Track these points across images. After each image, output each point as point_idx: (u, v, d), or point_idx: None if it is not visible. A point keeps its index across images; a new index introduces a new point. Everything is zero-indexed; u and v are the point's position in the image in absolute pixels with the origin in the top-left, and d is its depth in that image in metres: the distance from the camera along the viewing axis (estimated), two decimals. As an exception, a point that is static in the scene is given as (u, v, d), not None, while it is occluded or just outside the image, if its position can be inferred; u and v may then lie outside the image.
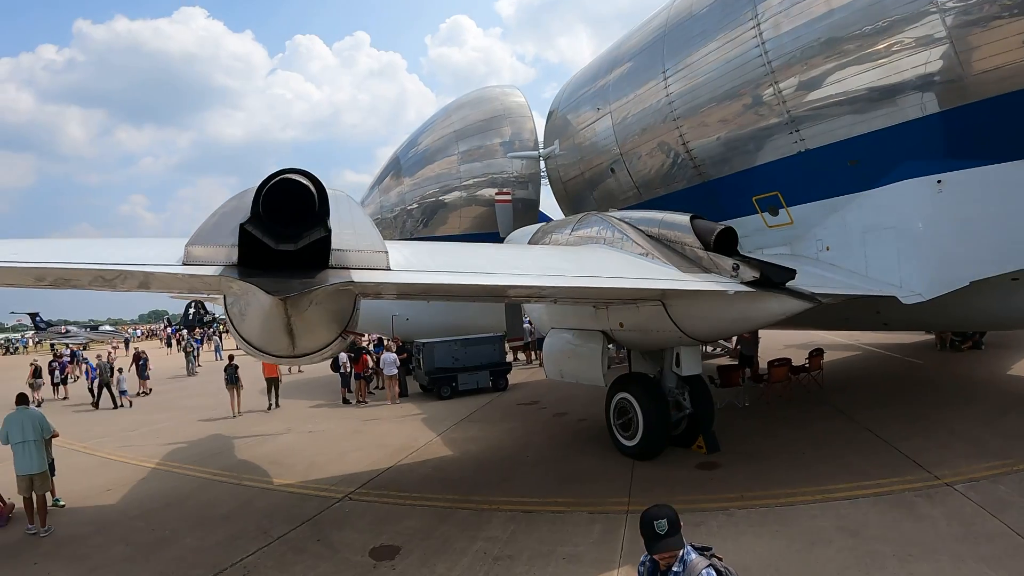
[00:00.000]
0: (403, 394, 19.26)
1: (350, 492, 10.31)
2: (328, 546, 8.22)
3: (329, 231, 5.99)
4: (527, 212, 18.70)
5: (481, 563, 7.39)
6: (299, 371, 27.11)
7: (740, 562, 6.52)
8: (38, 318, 62.95)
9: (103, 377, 21.24)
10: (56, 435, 10.14)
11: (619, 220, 10.24)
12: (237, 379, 18.56)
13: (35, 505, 9.29)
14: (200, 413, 18.90)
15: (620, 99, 15.07)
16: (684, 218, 9.31)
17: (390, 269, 6.59)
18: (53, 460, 10.15)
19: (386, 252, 6.64)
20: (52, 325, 63.56)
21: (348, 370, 18.98)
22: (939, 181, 9.45)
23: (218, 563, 7.73)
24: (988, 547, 6.38)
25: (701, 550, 3.73)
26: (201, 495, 10.74)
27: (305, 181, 5.90)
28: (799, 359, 14.95)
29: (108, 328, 74.30)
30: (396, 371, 18.80)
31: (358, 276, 6.25)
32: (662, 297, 9.22)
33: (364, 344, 22.59)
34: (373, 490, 10.41)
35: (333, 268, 6.13)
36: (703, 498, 8.62)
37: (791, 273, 8.44)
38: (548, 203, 20.03)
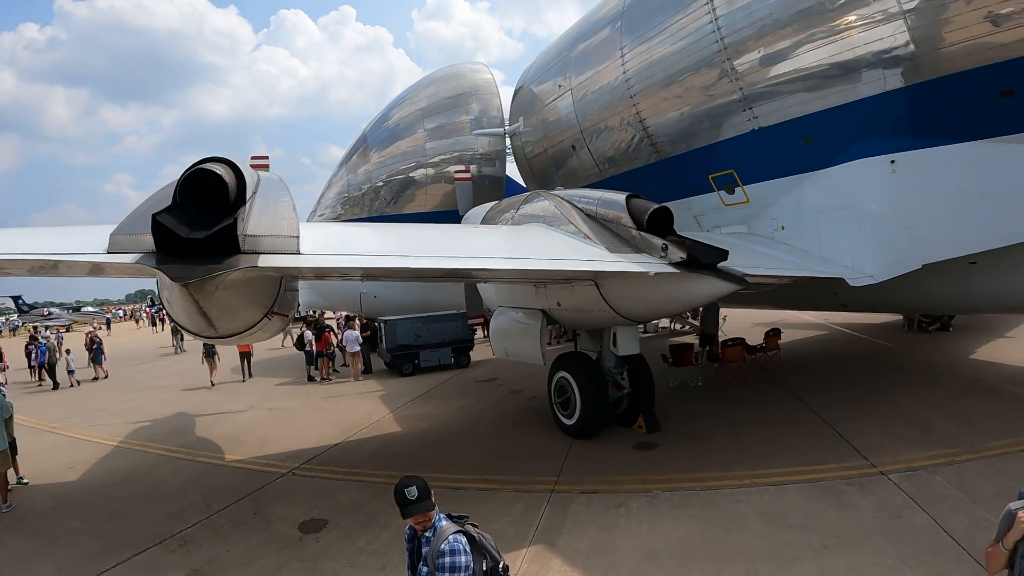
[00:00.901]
0: (367, 371, 19.33)
1: (295, 467, 10.47)
2: (263, 519, 8.41)
3: (236, 219, 6.15)
4: (493, 189, 18.63)
5: (399, 538, 7.41)
6: (282, 346, 27.25)
7: (649, 546, 6.66)
8: (20, 301, 62.75)
9: (51, 358, 21.83)
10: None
11: (562, 199, 10.16)
12: (214, 353, 19.72)
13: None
14: (173, 392, 19.16)
15: (581, 76, 14.96)
16: (620, 197, 9.21)
17: (300, 253, 6.65)
18: (15, 439, 10.35)
19: (297, 237, 6.68)
20: (35, 308, 63.48)
21: (312, 348, 19.03)
22: (892, 161, 9.30)
23: (160, 534, 7.99)
24: (911, 543, 6.16)
25: (457, 518, 3.94)
26: (157, 471, 10.92)
27: (222, 171, 6.13)
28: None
29: (91, 309, 74.07)
30: (359, 348, 18.87)
31: (265, 261, 6.32)
32: (595, 277, 9.16)
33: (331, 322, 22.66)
34: (317, 466, 10.55)
35: (245, 253, 6.22)
36: (631, 479, 8.63)
37: (722, 254, 8.28)
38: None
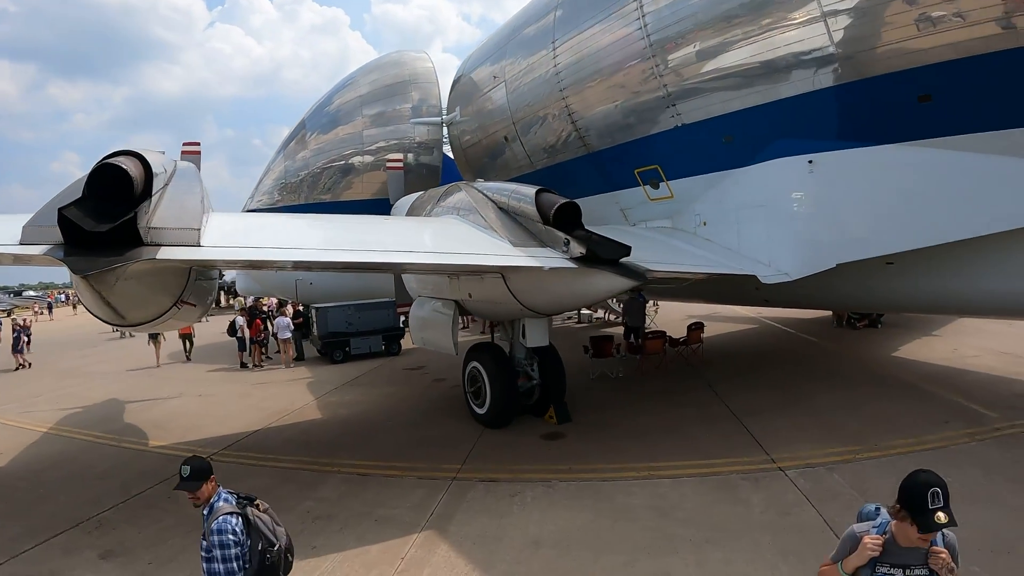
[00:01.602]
0: (299, 358, 19.26)
1: (213, 453, 10.40)
2: (176, 502, 8.23)
3: (137, 212, 6.32)
4: (430, 178, 18.63)
5: (301, 521, 7.59)
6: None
7: (535, 534, 6.80)
8: None
9: None
10: None
11: (479, 192, 10.23)
12: (158, 335, 20.14)
13: None
14: (108, 377, 18.92)
15: (515, 68, 15.02)
16: (531, 191, 9.28)
17: (200, 246, 6.73)
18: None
19: (198, 229, 6.76)
20: None
21: (245, 335, 18.86)
22: (810, 161, 9.50)
23: (79, 517, 8.04)
24: (794, 539, 6.20)
25: (243, 498, 4.25)
26: (83, 457, 10.84)
27: (129, 165, 6.35)
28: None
29: (32, 293, 71.78)
30: (290, 335, 18.76)
31: (164, 253, 6.42)
32: (500, 271, 9.30)
33: (265, 308, 22.45)
34: (236, 451, 10.57)
35: (148, 245, 6.36)
36: (532, 468, 8.80)
37: (624, 250, 8.43)
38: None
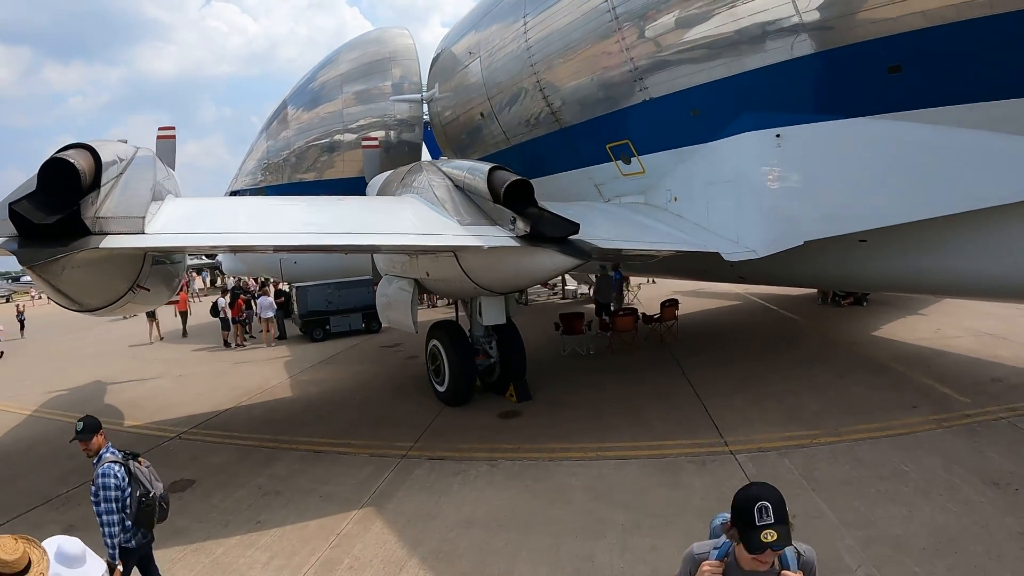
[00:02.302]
0: (281, 337, 19.41)
1: (182, 432, 10.73)
2: None
3: (82, 203, 6.54)
4: (412, 155, 18.48)
5: (251, 497, 7.87)
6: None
7: (468, 514, 6.85)
8: None
9: None
10: None
11: (439, 170, 10.10)
12: (154, 313, 21.09)
13: None
14: (97, 359, 19.25)
15: (489, 44, 14.78)
16: (484, 169, 9.12)
17: (144, 233, 6.86)
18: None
19: (142, 217, 6.89)
20: None
21: (227, 314, 18.98)
22: (778, 135, 9.20)
23: (48, 495, 8.37)
24: None
25: (128, 454, 5.03)
26: (59, 438, 10.80)
27: (79, 158, 6.61)
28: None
29: (29, 279, 72.29)
30: (272, 314, 18.86)
31: (108, 242, 6.59)
32: (447, 249, 9.25)
33: (250, 288, 22.60)
34: (203, 430, 10.78)
35: (94, 234, 6.57)
36: (481, 447, 8.83)
37: (572, 227, 8.32)
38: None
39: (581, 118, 12.74)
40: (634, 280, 22.92)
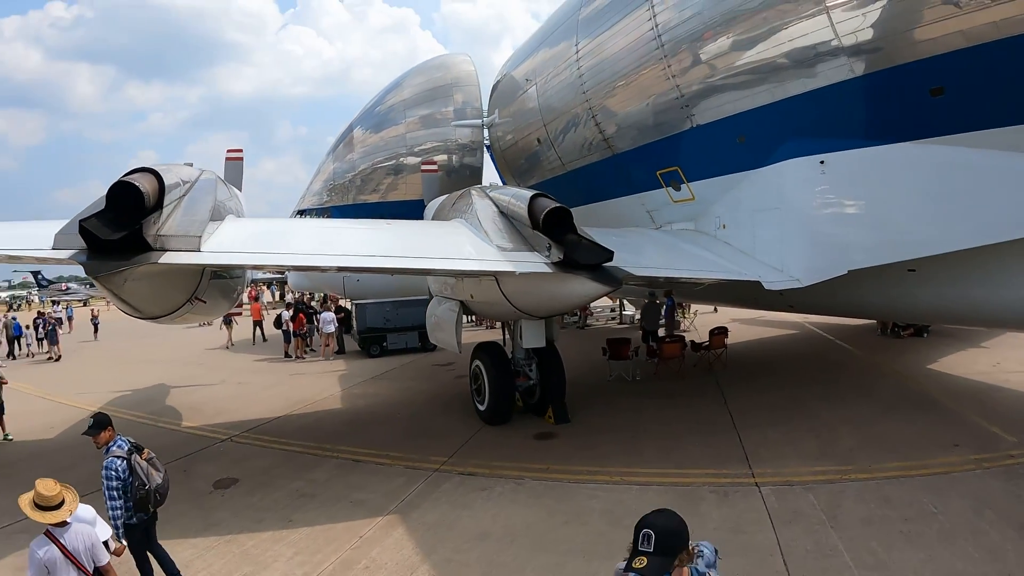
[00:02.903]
0: (340, 351, 20.09)
1: (234, 435, 11.35)
2: (189, 475, 9.38)
3: (143, 222, 7.15)
4: (473, 179, 19.03)
5: (287, 498, 8.31)
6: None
7: (486, 528, 7.04)
8: (40, 276, 64.73)
9: (8, 334, 24.83)
10: (5, 382, 12.07)
11: (486, 196, 10.30)
12: (231, 321, 24.14)
13: None
14: (163, 364, 20.28)
15: (544, 70, 15.18)
16: (526, 196, 9.21)
17: (199, 251, 7.46)
18: (2, 402, 11.78)
19: (199, 236, 7.50)
20: (53, 283, 65.59)
21: (289, 328, 19.83)
22: (822, 162, 9.09)
23: (99, 483, 8.81)
24: (734, 561, 5.74)
25: (134, 447, 5.77)
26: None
27: (144, 182, 7.27)
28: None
29: None
30: (333, 329, 19.62)
31: (166, 258, 7.21)
32: (479, 274, 9.48)
33: (313, 304, 23.51)
34: (253, 434, 11.34)
35: (156, 251, 7.18)
36: (510, 465, 8.93)
37: (605, 255, 8.38)
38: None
39: (631, 145, 12.87)
40: (697, 307, 22.64)
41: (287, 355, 20.02)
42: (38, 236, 7.30)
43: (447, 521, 7.27)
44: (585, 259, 8.36)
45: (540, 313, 9.92)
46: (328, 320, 19.69)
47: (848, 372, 13.69)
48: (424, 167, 16.48)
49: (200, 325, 30.51)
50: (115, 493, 5.51)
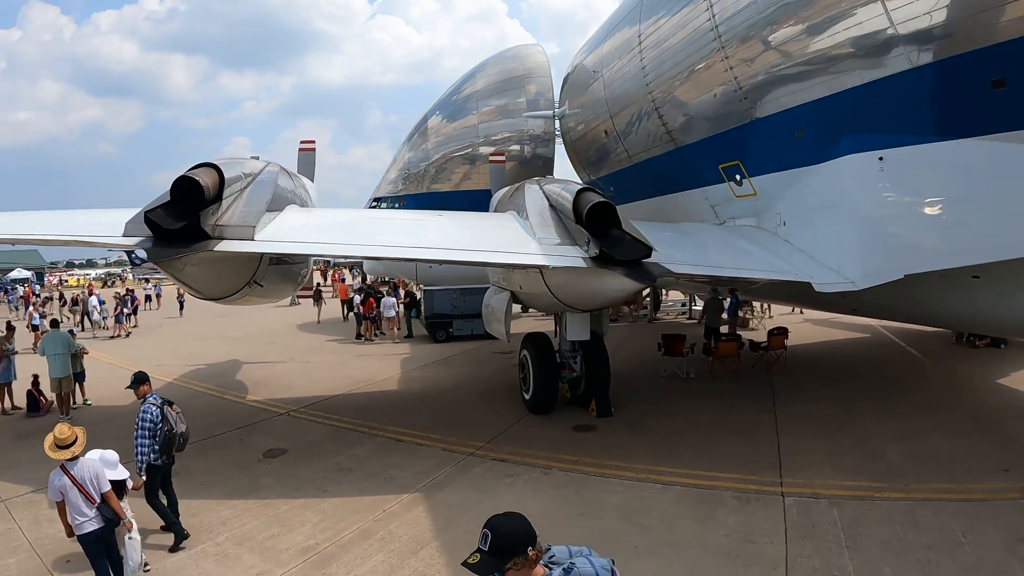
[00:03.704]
0: (409, 335, 20.77)
1: (292, 409, 12.10)
2: (244, 444, 10.22)
3: (201, 213, 7.74)
4: (545, 169, 19.15)
5: (329, 470, 8.90)
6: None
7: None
8: (133, 254, 69.57)
9: (84, 308, 26.68)
10: (86, 352, 13.35)
11: (539, 188, 10.37)
12: (320, 298, 26.73)
13: (63, 400, 12.35)
14: (239, 341, 21.49)
15: (610, 62, 15.04)
16: (573, 190, 9.23)
17: (253, 240, 8.07)
18: (84, 370, 13.13)
19: (253, 226, 8.08)
20: (145, 261, 70.42)
21: (359, 311, 20.67)
22: (880, 158, 8.57)
23: None
24: (737, 569, 5.81)
25: (165, 402, 6.90)
26: (190, 403, 12.59)
27: (200, 177, 7.80)
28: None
29: None
30: (395, 314, 20.45)
31: (221, 246, 7.88)
32: (516, 267, 9.65)
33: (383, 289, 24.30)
34: (310, 410, 12.06)
35: (213, 239, 7.83)
36: (543, 455, 9.06)
37: (644, 250, 8.31)
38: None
39: (693, 138, 12.60)
40: (774, 307, 21.84)
41: (358, 337, 20.90)
42: (111, 224, 8.06)
43: (467, 503, 7.54)
44: (621, 254, 8.32)
45: (582, 306, 9.95)
46: (389, 305, 20.46)
47: (910, 381, 12.84)
48: (491, 158, 16.70)
49: (291, 304, 32.36)
50: (146, 434, 6.57)
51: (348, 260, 44.18)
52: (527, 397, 11.38)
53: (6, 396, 12.81)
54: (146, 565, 6.06)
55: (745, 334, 16.53)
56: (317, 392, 13.35)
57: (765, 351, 13.58)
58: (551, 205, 9.70)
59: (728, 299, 15.89)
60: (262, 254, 9.21)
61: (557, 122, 19.13)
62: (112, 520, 5.53)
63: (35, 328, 21.28)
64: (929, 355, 15.01)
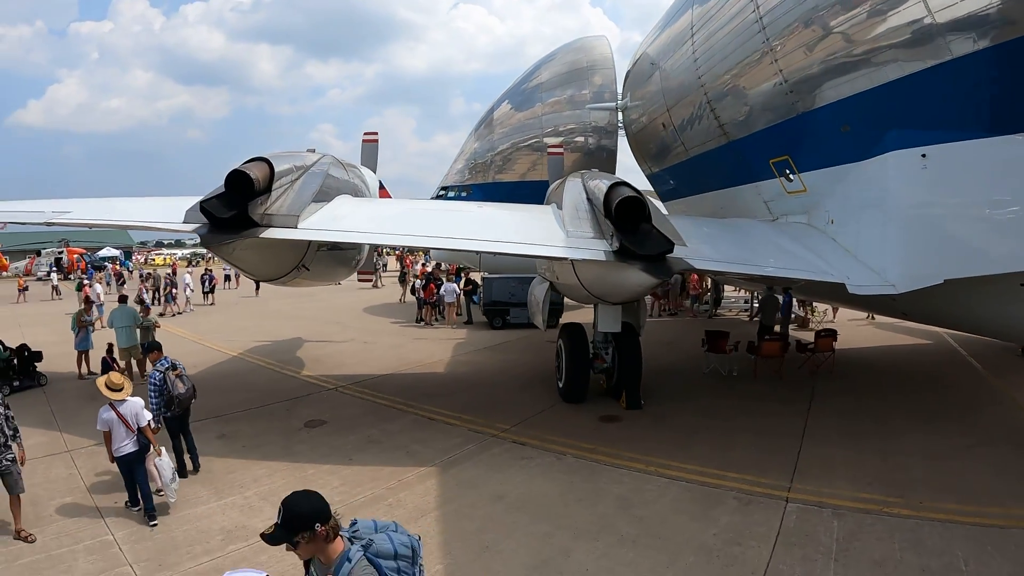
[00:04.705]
0: (468, 321, 21.39)
1: (340, 385, 12.95)
2: (289, 414, 11.10)
3: (250, 203, 8.45)
4: (609, 161, 19.22)
5: (360, 441, 9.62)
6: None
7: (506, 491, 7.72)
8: None
9: (156, 285, 28.34)
10: (158, 325, 14.72)
11: (580, 181, 10.50)
12: (405, 278, 28.62)
13: (133, 369, 13.72)
14: (308, 320, 22.66)
15: (666, 55, 14.93)
16: (606, 184, 9.29)
17: (296, 228, 8.73)
18: (154, 340, 14.10)
19: (297, 216, 8.76)
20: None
21: (421, 295, 21.46)
22: (923, 155, 8.25)
23: (219, 412, 10.98)
24: (716, 569, 5.87)
25: (170, 367, 8.22)
26: (249, 376, 14.10)
27: (251, 170, 8.52)
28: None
29: None
30: (454, 299, 21.09)
31: (267, 233, 8.56)
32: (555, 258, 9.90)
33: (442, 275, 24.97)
34: (357, 387, 12.86)
35: (260, 227, 8.52)
36: (563, 441, 9.33)
37: (666, 245, 8.35)
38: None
39: (744, 132, 12.42)
40: (848, 313, 20.95)
41: (418, 321, 21.69)
42: (173, 210, 8.99)
43: (477, 480, 7.99)
44: (643, 249, 8.39)
45: (611, 298, 10.07)
46: (449, 290, 21.15)
47: (961, 395, 12.03)
48: (550, 150, 16.92)
49: (373, 286, 33.79)
50: (153, 394, 8.04)
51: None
52: (560, 385, 11.67)
53: (84, 362, 14.15)
54: (174, 480, 7.29)
55: (803, 335, 16.10)
56: (368, 371, 14.15)
57: (812, 353, 13.21)
58: (588, 198, 9.87)
59: (782, 297, 15.53)
60: (310, 241, 9.86)
61: (619, 114, 19.10)
62: (144, 446, 7.10)
63: (141, 302, 23.29)
64: (989, 366, 14.01)
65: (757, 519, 6.84)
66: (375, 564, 2.93)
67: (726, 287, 24.01)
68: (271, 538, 2.92)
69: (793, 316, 19.21)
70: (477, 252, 11.05)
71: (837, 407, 10.98)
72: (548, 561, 6.01)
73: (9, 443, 6.57)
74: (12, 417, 6.76)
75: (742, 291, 24.54)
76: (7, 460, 6.48)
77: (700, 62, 12.92)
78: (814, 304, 19.91)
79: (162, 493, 7.17)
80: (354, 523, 3.16)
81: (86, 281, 30.84)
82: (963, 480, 7.79)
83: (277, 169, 8.88)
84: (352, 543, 3.00)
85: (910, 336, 17.46)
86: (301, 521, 2.89)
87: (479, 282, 22.03)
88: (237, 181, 8.44)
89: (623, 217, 8.69)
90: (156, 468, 7.13)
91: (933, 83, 7.88)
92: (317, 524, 2.89)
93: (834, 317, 20.43)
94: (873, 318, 19.84)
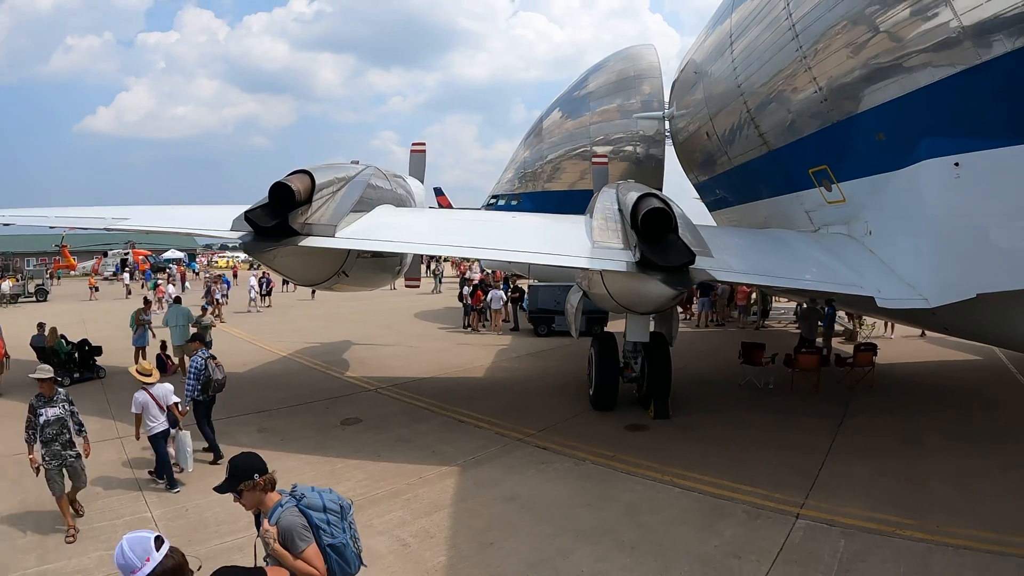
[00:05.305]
0: (515, 328, 21.66)
1: (380, 387, 13.52)
2: (327, 411, 11.74)
3: (290, 214, 9.05)
4: (657, 170, 19.25)
5: (390, 439, 10.10)
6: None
7: (519, 492, 7.99)
8: None
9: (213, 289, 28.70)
10: (213, 325, 15.66)
11: (612, 193, 10.64)
12: (465, 284, 27.02)
13: (186, 364, 14.32)
14: (359, 324, 23.26)
15: (709, 65, 14.92)
16: (635, 195, 9.42)
17: (334, 237, 9.31)
18: (211, 340, 14.34)
19: (335, 225, 9.33)
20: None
21: (468, 302, 21.91)
22: (956, 164, 8.01)
23: (261, 408, 11.77)
24: None
25: (209, 356, 9.25)
26: (296, 376, 14.84)
27: (292, 182, 9.14)
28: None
29: None
30: (500, 306, 21.33)
31: (305, 242, 9.17)
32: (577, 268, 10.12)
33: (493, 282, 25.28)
34: (396, 388, 13.39)
35: (300, 235, 9.11)
36: (585, 447, 9.49)
37: (687, 257, 8.42)
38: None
39: (783, 141, 12.33)
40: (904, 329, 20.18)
41: (466, 327, 22.13)
42: (221, 218, 9.74)
43: (494, 481, 8.29)
44: (664, 260, 8.49)
45: (637, 308, 10.15)
46: (496, 297, 21.48)
47: (1003, 414, 11.43)
48: (595, 159, 17.12)
49: (433, 292, 34.53)
50: (191, 376, 9.03)
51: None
52: (591, 393, 11.83)
53: (141, 357, 14.94)
54: (190, 455, 8.65)
55: (846, 348, 15.67)
56: (409, 374, 14.66)
57: (851, 367, 12.90)
58: (619, 209, 10.00)
59: (826, 309, 15.20)
60: (348, 249, 10.22)
61: (666, 123, 19.11)
62: (173, 424, 8.31)
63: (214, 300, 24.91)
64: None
65: (762, 533, 6.78)
66: (304, 512, 3.61)
67: (775, 298, 23.54)
68: (220, 488, 3.74)
69: (842, 329, 18.72)
70: (509, 262, 11.33)
71: (869, 423, 10.73)
72: (546, 560, 6.21)
73: (73, 439, 7.02)
74: (76, 412, 7.21)
75: (791, 302, 24.00)
76: (71, 456, 6.96)
77: (739, 70, 12.92)
78: (863, 317, 19.30)
79: (178, 466, 8.41)
80: (294, 487, 3.81)
81: (160, 281, 32.69)
82: (989, 504, 7.47)
83: (318, 181, 9.45)
84: (291, 499, 3.69)
85: (959, 352, 16.69)
86: (243, 473, 3.68)
87: (526, 289, 22.34)
88: (279, 192, 9.04)
89: (649, 228, 8.82)
90: (176, 441, 8.44)
91: (963, 89, 7.70)
92: (255, 474, 3.68)
93: (891, 332, 19.71)
94: (924, 334, 19.09)
